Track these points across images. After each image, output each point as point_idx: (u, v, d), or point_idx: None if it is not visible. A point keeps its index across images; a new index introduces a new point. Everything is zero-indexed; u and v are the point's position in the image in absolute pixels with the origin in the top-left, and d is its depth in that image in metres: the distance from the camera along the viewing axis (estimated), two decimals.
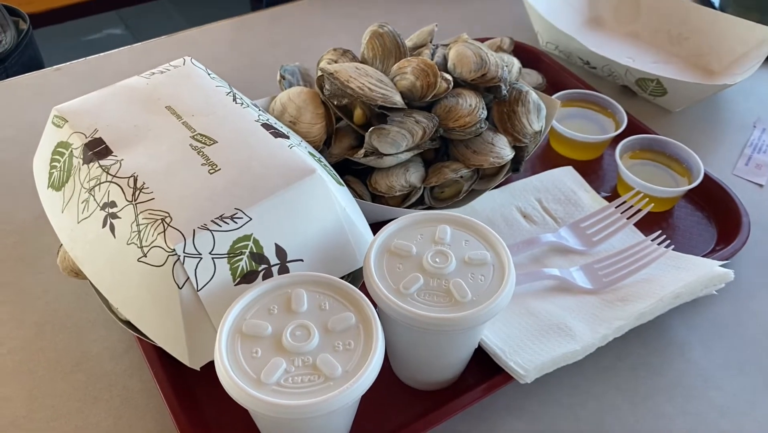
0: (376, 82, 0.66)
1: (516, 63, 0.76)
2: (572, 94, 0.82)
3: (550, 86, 0.89)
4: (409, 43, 0.79)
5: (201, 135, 0.54)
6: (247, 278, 0.48)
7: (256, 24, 1.05)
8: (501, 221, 0.69)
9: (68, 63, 0.93)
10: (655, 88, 0.85)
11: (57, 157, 0.55)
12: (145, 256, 0.46)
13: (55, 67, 0.91)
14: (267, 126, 0.56)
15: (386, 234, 0.53)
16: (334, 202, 0.53)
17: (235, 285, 0.48)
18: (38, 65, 1.11)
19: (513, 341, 0.56)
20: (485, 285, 0.49)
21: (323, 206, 0.52)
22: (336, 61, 0.74)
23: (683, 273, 0.60)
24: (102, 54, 0.95)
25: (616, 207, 0.69)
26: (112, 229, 0.49)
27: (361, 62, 0.74)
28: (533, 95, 0.71)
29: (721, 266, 0.61)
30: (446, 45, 0.75)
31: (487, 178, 0.70)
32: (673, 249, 0.63)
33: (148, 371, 0.56)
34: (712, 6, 1.06)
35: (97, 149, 0.52)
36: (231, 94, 0.60)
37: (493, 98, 0.70)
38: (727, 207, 0.72)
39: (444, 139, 0.69)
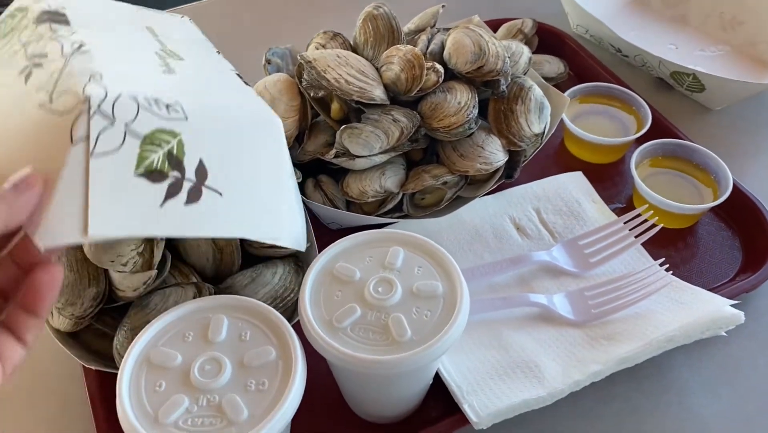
0: (356, 74, 0.59)
1: (526, 52, 0.68)
2: (592, 88, 0.73)
3: (574, 76, 0.80)
4: (411, 25, 0.72)
5: (171, 51, 0.47)
6: (153, 176, 0.38)
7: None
8: (490, 233, 0.62)
9: None
10: (692, 83, 0.75)
11: (7, 19, 0.46)
12: (50, 102, 0.37)
13: None
14: (242, 79, 0.51)
15: (331, 253, 0.47)
16: (284, 162, 0.47)
17: (135, 175, 0.37)
18: None
19: (474, 376, 0.50)
20: (430, 322, 0.43)
21: (271, 158, 0.46)
22: (324, 46, 0.68)
23: (685, 311, 0.52)
24: None
25: (624, 223, 0.61)
26: (28, 76, 0.39)
27: (353, 48, 0.67)
28: (536, 91, 0.63)
29: (734, 305, 0.52)
30: (448, 30, 0.67)
31: (476, 184, 0.63)
32: (677, 278, 0.55)
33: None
34: None
35: (54, 17, 0.43)
36: (219, 53, 0.55)
37: (491, 94, 0.63)
38: (758, 228, 0.62)
39: (432, 138, 0.62)
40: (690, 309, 0.52)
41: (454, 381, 0.49)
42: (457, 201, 0.62)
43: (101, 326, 0.49)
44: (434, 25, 0.70)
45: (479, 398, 0.48)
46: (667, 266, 0.56)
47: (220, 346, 0.42)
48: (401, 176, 0.61)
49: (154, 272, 0.46)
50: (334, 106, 0.61)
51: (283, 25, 0.95)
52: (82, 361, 0.48)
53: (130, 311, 0.48)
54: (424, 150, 0.63)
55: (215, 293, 0.50)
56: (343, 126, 0.58)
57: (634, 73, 0.82)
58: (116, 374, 0.47)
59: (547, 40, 0.82)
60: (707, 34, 0.86)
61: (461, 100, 0.60)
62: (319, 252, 0.47)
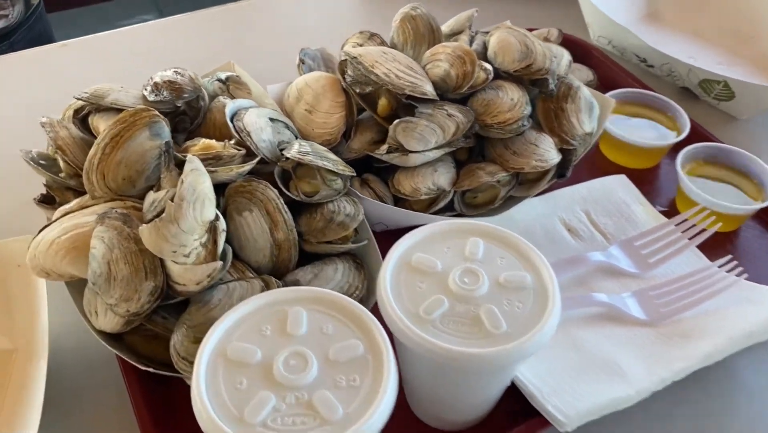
0: (405, 69, 0.57)
1: (566, 55, 0.67)
2: (626, 94, 0.72)
3: (602, 85, 0.80)
4: (445, 29, 0.70)
5: None
6: None
7: (280, 4, 0.97)
8: (541, 235, 0.60)
9: (76, 39, 0.86)
10: (722, 92, 0.75)
11: None
12: None
13: (60, 42, 0.85)
14: None
15: (407, 244, 0.44)
16: None
17: None
18: (48, 42, 1.05)
19: (552, 378, 0.47)
20: (523, 314, 0.40)
21: None
22: (362, 45, 0.66)
23: (758, 308, 0.51)
24: (113, 30, 0.88)
25: (676, 225, 0.59)
26: None
27: (390, 48, 0.66)
28: (585, 91, 0.62)
29: None
30: (486, 32, 0.66)
31: (527, 184, 0.61)
32: (746, 278, 0.54)
33: (125, 387, 0.48)
34: None
35: None
36: None
37: (539, 93, 0.62)
38: None
39: (479, 137, 0.60)
40: (764, 305, 0.51)
41: (532, 383, 0.47)
42: (509, 201, 0.60)
43: (152, 326, 0.45)
44: (470, 28, 0.69)
45: (562, 398, 0.45)
46: (736, 263, 0.54)
47: (302, 339, 0.39)
48: (453, 174, 0.59)
49: (219, 264, 0.43)
50: (382, 102, 0.58)
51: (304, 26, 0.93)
52: (134, 363, 0.44)
53: (190, 307, 0.44)
54: (469, 150, 0.61)
55: None
56: (398, 120, 0.55)
57: (657, 84, 0.82)
58: (166, 379, 0.44)
59: (572, 50, 0.81)
60: (722, 46, 0.87)
61: (514, 97, 0.58)
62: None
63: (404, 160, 0.56)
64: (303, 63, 0.68)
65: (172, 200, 0.43)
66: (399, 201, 0.59)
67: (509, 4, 0.98)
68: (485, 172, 0.57)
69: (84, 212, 0.48)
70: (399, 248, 0.44)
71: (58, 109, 0.59)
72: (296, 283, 0.47)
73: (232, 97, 0.59)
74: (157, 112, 0.49)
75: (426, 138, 0.55)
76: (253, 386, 0.37)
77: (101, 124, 0.53)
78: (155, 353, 0.46)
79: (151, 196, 0.46)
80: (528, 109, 0.58)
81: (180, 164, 0.48)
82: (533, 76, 0.60)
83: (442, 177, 0.58)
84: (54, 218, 0.48)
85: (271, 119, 0.54)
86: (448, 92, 0.59)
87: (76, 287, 0.49)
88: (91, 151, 0.48)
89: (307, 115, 0.59)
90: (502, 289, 0.42)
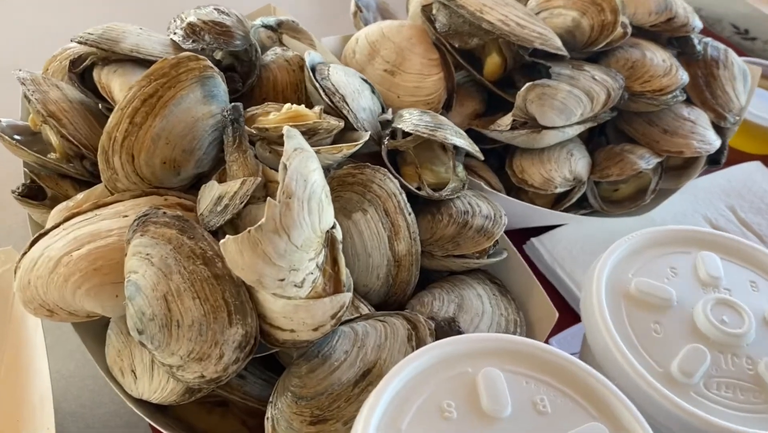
0: (525, 16, 0.43)
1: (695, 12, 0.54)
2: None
3: None
4: None
5: None
6: None
7: None
8: None
9: None
10: None
11: None
12: None
13: None
14: None
15: (612, 262, 0.30)
16: None
17: None
18: None
19: None
20: None
21: None
22: None
23: None
24: None
25: None
26: None
27: None
28: (734, 56, 0.49)
29: None
30: None
31: (670, 173, 0.47)
32: None
33: None
34: None
35: None
36: None
37: (678, 55, 0.48)
38: None
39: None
40: None
41: None
42: (658, 195, 0.46)
43: (221, 389, 0.29)
44: None
45: None
46: None
47: (507, 424, 0.24)
48: (588, 159, 0.44)
49: (347, 296, 0.27)
50: (493, 61, 0.43)
51: None
52: None
53: (298, 364, 0.28)
54: (590, 129, 0.47)
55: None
56: (531, 84, 0.40)
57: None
58: None
59: None
60: None
61: (664, 58, 0.45)
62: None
63: (534, 140, 0.41)
64: (360, 11, 0.52)
65: (265, 198, 0.27)
66: (512, 193, 0.44)
67: None
68: (636, 156, 0.43)
69: (103, 213, 0.31)
70: (604, 269, 0.29)
71: (35, 61, 0.41)
72: (450, 323, 0.31)
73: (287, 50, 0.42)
74: (210, 63, 0.33)
75: (569, 109, 0.41)
76: (674, 335, 0.25)
77: (115, 83, 0.36)
78: (222, 430, 0.30)
79: (215, 188, 0.30)
80: (685, 76, 0.44)
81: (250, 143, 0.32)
82: (675, 32, 0.47)
83: (580, 163, 0.43)
84: (52, 223, 0.32)
85: (362, 79, 0.39)
86: (575, 50, 0.44)
87: (89, 325, 0.32)
88: (111, 121, 0.32)
89: (388, 77, 0.43)
90: None
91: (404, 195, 0.33)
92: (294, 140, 0.27)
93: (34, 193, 0.36)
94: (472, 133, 0.43)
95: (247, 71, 0.39)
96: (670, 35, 0.47)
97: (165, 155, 0.32)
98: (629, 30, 0.45)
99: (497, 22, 0.41)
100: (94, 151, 0.34)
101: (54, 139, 0.36)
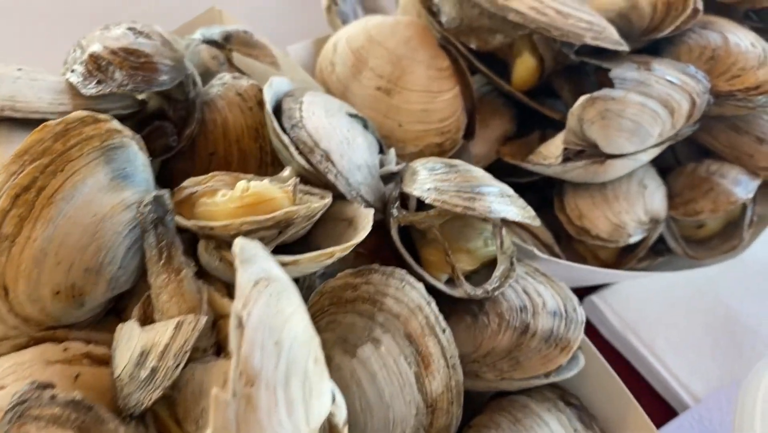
0: (567, 1, 0.31)
1: None
2: None
3: None
4: None
5: None
6: None
7: None
8: None
9: None
10: None
11: None
12: None
13: None
14: None
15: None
16: None
17: None
18: None
19: None
20: None
21: None
22: None
23: None
24: None
25: None
26: None
27: None
28: None
29: None
30: None
31: (763, 190, 0.36)
32: None
33: None
34: None
35: None
36: None
37: (758, 32, 0.36)
38: None
39: None
40: None
41: None
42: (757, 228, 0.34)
43: None
44: None
45: None
46: None
47: None
48: (664, 189, 0.33)
49: None
50: (524, 64, 0.32)
51: None
52: None
53: None
54: None
55: None
56: (587, 97, 0.29)
57: None
58: None
59: None
60: None
61: (753, 42, 0.33)
62: None
63: (596, 174, 0.30)
64: (335, 5, 0.40)
65: (215, 348, 0.15)
66: (562, 240, 0.33)
67: None
68: (729, 181, 0.32)
69: None
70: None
71: None
72: None
73: (239, 73, 0.30)
74: (116, 123, 0.21)
75: (644, 129, 0.29)
76: None
77: None
78: None
79: (135, 336, 0.18)
80: None
81: (189, 242, 0.21)
82: (756, 4, 0.35)
83: (656, 196, 0.32)
84: None
85: (350, 115, 0.27)
86: (630, 39, 0.33)
87: None
88: None
89: (383, 98, 0.31)
90: None
91: (434, 304, 0.22)
92: (252, 266, 0.16)
93: None
94: (502, 165, 0.32)
95: (183, 116, 0.27)
96: (749, 6, 0.36)
97: (57, 282, 0.20)
98: (700, 5, 0.33)
99: (529, 11, 0.30)
100: None
101: None
